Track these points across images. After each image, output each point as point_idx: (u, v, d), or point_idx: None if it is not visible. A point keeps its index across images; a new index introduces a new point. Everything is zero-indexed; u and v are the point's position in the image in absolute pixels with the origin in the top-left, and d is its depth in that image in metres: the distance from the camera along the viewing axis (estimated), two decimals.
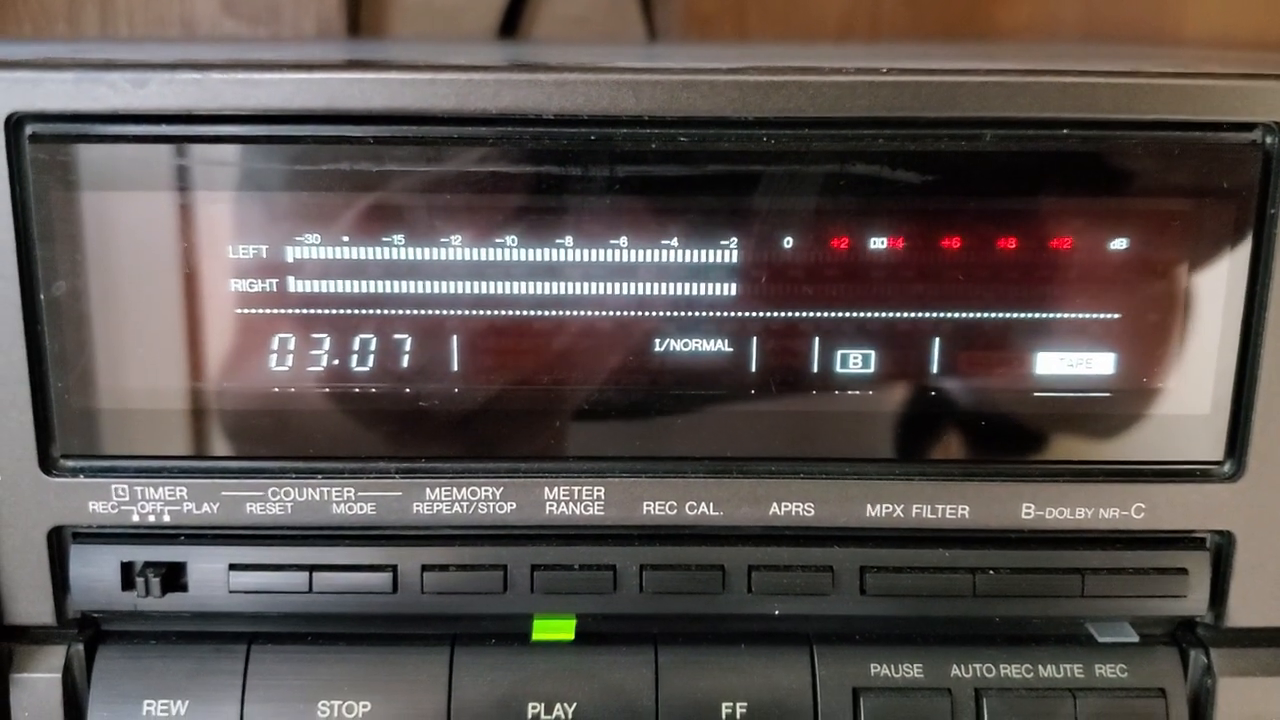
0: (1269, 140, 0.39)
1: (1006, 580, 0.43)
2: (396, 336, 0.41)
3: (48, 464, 0.41)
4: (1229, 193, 0.40)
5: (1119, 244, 0.40)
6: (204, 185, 0.39)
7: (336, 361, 0.41)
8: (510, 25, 1.01)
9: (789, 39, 1.01)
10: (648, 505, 0.42)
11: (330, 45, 0.74)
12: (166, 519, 0.41)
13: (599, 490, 0.42)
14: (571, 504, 0.42)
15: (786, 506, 0.42)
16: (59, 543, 0.42)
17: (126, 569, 0.42)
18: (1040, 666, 0.44)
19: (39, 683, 0.43)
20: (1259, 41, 0.83)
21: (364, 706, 0.42)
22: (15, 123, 0.38)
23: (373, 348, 0.41)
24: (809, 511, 0.42)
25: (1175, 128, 0.39)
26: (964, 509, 0.42)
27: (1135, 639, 0.45)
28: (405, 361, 0.41)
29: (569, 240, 0.40)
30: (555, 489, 0.42)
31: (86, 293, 0.39)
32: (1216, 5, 0.88)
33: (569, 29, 1.02)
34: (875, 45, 0.85)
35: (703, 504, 0.42)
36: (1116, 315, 0.41)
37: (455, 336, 0.41)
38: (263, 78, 0.38)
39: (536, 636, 0.44)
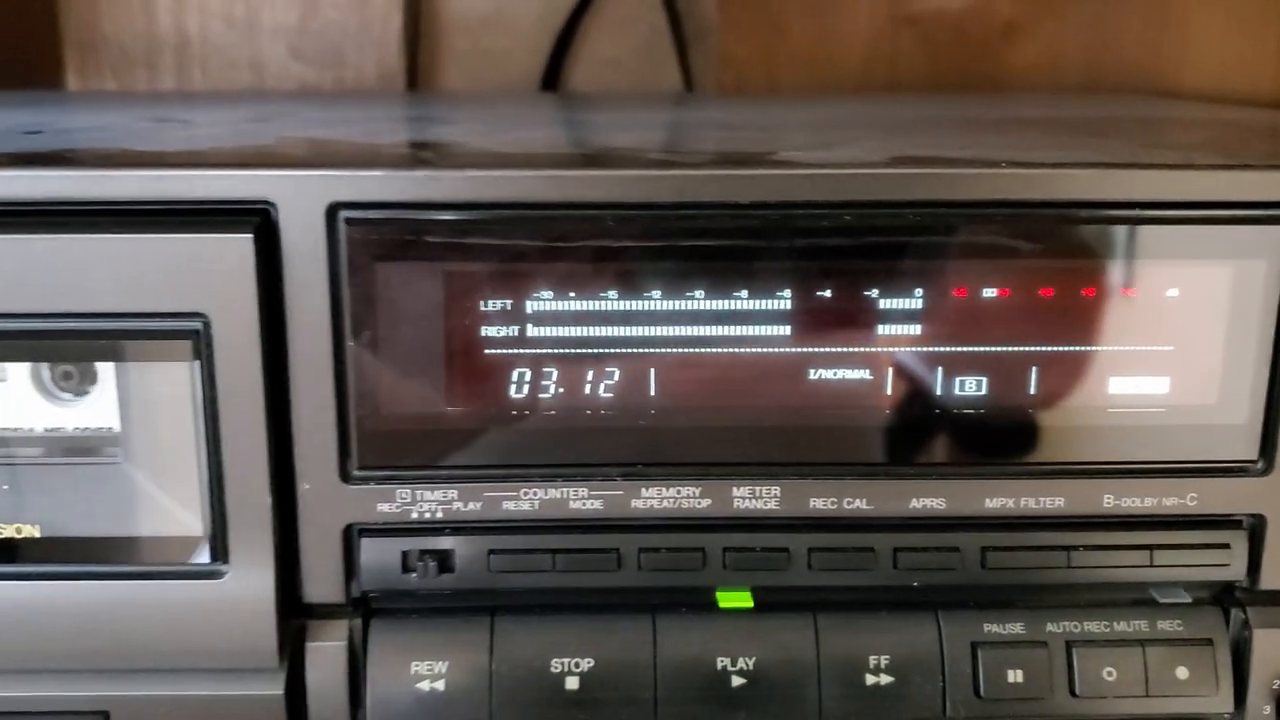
0: None
1: (1092, 555, 0.51)
2: (615, 369, 0.50)
3: (346, 475, 0.49)
4: (1266, 254, 0.47)
5: (1173, 293, 0.48)
6: (467, 256, 0.48)
7: (569, 390, 0.50)
8: (554, 68, 1.10)
9: (816, 81, 1.10)
10: (814, 501, 0.50)
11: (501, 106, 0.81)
12: (439, 516, 0.49)
13: (775, 490, 0.50)
14: (754, 500, 0.50)
15: (924, 501, 0.50)
16: (349, 537, 0.49)
17: (405, 556, 0.50)
18: (1115, 623, 0.51)
19: (330, 648, 0.50)
20: (1254, 88, 0.90)
21: (588, 662, 0.50)
22: (332, 209, 0.47)
23: (592, 378, 0.50)
24: (941, 505, 0.50)
25: (1221, 207, 0.47)
26: (1060, 500, 0.50)
27: (1189, 600, 0.52)
28: (623, 389, 0.49)
29: (745, 294, 0.49)
30: (741, 488, 0.50)
31: (378, 341, 0.48)
32: (1213, 47, 0.92)
33: (604, 71, 1.09)
34: (922, 98, 0.94)
35: (857, 500, 0.50)
36: (1171, 348, 0.49)
37: (659, 369, 0.49)
38: (520, 175, 0.47)
39: (722, 604, 0.52)
